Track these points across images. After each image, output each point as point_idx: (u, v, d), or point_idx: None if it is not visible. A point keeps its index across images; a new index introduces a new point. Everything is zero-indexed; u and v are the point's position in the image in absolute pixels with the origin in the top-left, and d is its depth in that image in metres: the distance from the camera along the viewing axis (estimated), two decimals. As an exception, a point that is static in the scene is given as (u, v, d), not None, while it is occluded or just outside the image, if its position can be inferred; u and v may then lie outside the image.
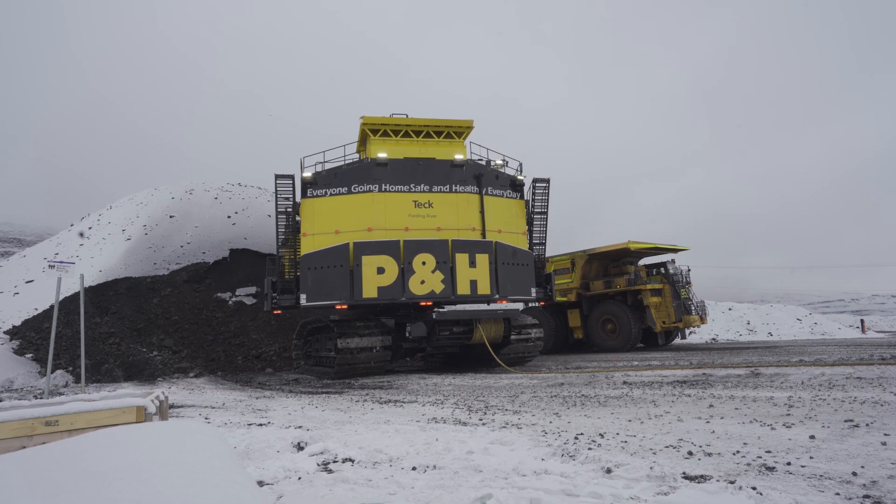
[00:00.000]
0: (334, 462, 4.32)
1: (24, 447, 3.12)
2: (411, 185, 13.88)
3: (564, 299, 22.46)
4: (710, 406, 6.15)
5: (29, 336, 17.32)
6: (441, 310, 13.13)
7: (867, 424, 4.67)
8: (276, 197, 14.55)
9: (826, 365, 10.30)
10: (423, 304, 13.34)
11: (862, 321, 32.51)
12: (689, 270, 22.43)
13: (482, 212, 14.08)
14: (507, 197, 14.79)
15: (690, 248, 23.28)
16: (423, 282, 12.92)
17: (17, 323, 18.65)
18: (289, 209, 14.70)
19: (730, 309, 33.19)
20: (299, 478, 3.90)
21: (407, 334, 13.80)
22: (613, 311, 21.00)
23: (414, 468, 4.00)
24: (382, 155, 13.93)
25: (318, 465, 4.25)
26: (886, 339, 23.93)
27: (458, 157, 14.40)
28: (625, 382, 9.21)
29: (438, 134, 14.96)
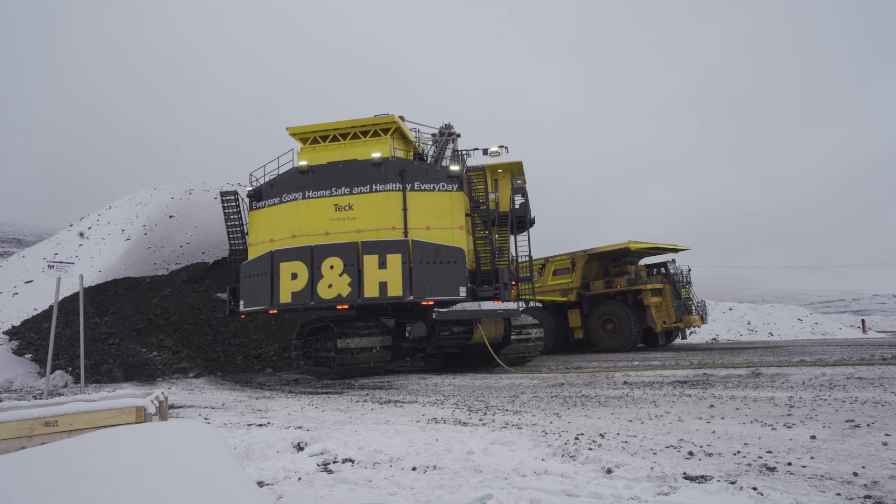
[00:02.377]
0: (334, 462, 4.31)
1: (24, 448, 3.11)
2: (332, 189, 13.91)
3: (564, 299, 22.47)
4: (711, 406, 6.14)
5: (28, 336, 17.31)
6: (441, 310, 13.13)
7: (868, 424, 4.67)
8: (224, 213, 15.63)
9: (827, 365, 10.30)
10: (339, 307, 13.36)
11: (863, 321, 32.51)
12: (689, 270, 22.44)
13: (405, 209, 13.64)
14: (439, 190, 13.90)
15: (691, 247, 23.30)
16: (330, 285, 12.96)
17: (17, 323, 18.66)
18: (237, 223, 15.69)
19: (730, 309, 33.21)
20: (299, 478, 3.90)
21: (407, 334, 13.80)
22: (614, 311, 20.99)
23: (414, 468, 4.00)
24: (303, 163, 14.25)
25: (318, 465, 4.25)
26: (887, 339, 23.93)
27: (376, 155, 13.84)
28: (625, 382, 9.21)
29: (365, 134, 14.60)
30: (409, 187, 13.70)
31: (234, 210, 15.56)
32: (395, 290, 12.75)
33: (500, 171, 16.88)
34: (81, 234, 28.38)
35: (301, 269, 13.20)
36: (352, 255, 13.00)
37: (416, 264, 12.91)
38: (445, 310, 13.17)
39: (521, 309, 14.28)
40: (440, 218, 13.73)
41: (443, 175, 13.92)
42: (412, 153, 15.52)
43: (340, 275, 12.92)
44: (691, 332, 24.23)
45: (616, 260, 22.79)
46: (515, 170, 17.22)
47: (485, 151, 16.15)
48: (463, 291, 12.99)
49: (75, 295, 15.86)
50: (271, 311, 14.04)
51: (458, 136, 18.19)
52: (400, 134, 14.88)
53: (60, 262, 9.50)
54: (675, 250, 22.59)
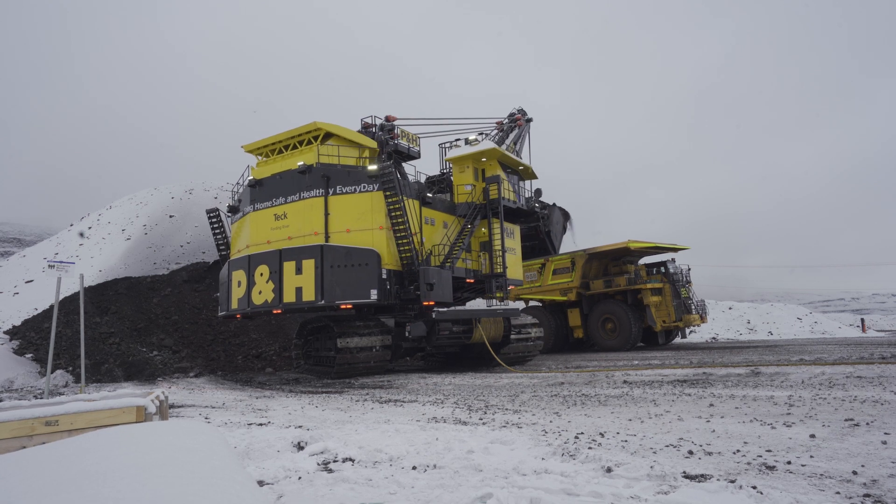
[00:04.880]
0: (334, 462, 4.31)
1: (24, 447, 3.12)
2: (273, 200, 14.39)
3: (564, 298, 22.47)
4: (711, 405, 6.14)
5: (29, 336, 17.31)
6: (441, 309, 13.13)
7: (867, 423, 4.67)
8: (211, 228, 17.08)
9: (826, 364, 10.30)
10: (275, 311, 13.80)
11: (862, 320, 32.49)
12: (689, 270, 22.44)
13: (326, 214, 13.71)
14: (360, 192, 13.76)
15: (690, 247, 23.30)
16: (260, 292, 13.54)
17: (17, 323, 18.66)
18: (220, 236, 16.97)
19: (730, 308, 33.18)
20: (299, 477, 3.90)
21: (407, 334, 13.80)
22: (613, 311, 20.99)
23: (414, 468, 4.00)
24: (250, 177, 15.00)
25: (319, 464, 4.25)
26: (887, 338, 23.91)
27: (300, 163, 13.97)
28: (625, 382, 9.21)
29: (302, 144, 14.74)
30: (332, 191, 13.83)
31: (218, 225, 16.81)
32: (309, 294, 13.02)
33: (483, 159, 16.41)
34: (82, 234, 28.38)
35: (242, 277, 14.02)
36: (275, 262, 13.49)
37: (328, 268, 13.04)
38: (445, 309, 13.17)
39: (520, 308, 14.29)
40: (361, 219, 13.72)
41: (364, 176, 13.84)
42: (367, 154, 15.16)
43: (267, 281, 13.48)
44: (691, 332, 24.23)
45: (616, 259, 22.79)
46: (506, 160, 16.82)
47: (466, 141, 16.26)
48: (374, 294, 12.90)
49: (76, 295, 15.87)
50: (238, 316, 15.23)
51: (530, 120, 17.82)
52: (343, 139, 14.67)
53: (61, 262, 9.49)
54: (675, 250, 22.58)
